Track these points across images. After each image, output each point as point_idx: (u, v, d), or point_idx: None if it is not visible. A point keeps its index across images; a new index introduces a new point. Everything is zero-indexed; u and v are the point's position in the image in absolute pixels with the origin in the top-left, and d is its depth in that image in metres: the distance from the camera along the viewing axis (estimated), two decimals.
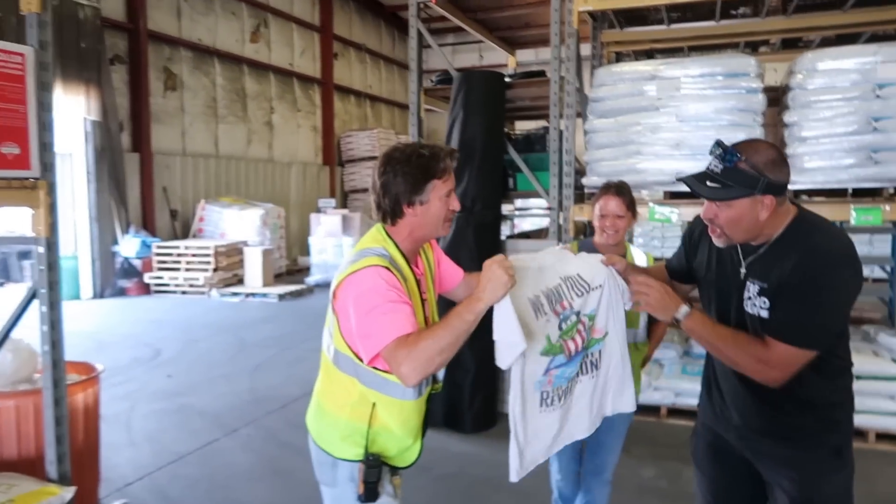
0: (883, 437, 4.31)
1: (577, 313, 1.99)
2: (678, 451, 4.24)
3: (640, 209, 4.72)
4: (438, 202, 1.89)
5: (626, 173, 4.67)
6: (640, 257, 2.87)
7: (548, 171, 4.95)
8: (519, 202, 8.20)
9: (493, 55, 16.46)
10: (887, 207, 4.13)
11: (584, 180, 4.85)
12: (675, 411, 4.76)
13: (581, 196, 4.95)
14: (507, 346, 1.76)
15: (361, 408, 1.91)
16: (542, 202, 5.07)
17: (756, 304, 1.84)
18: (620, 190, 2.78)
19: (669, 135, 4.52)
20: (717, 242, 1.89)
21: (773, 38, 5.90)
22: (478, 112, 4.76)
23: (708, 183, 1.78)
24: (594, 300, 2.03)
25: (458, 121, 4.78)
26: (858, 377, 4.31)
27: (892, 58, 4.07)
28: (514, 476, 1.96)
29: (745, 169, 1.74)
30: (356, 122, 18.64)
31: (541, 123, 6.61)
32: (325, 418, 1.99)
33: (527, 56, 10.49)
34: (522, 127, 7.61)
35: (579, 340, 2.00)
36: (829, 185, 4.27)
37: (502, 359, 1.78)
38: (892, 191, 4.23)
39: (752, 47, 6.63)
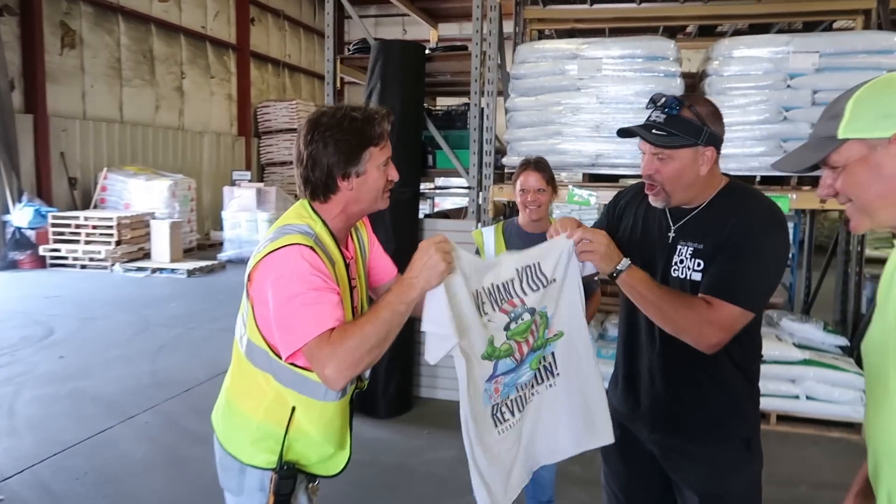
0: (783, 418, 4.47)
1: (532, 311, 1.73)
2: None
3: (559, 191, 4.69)
4: (376, 172, 1.66)
5: (547, 154, 4.59)
6: None
7: (468, 149, 4.82)
8: (441, 180, 8.07)
9: (417, 30, 16.16)
10: (794, 196, 4.24)
11: (505, 160, 4.76)
12: None
13: (501, 176, 4.86)
14: (437, 339, 1.57)
15: (278, 409, 1.66)
16: (463, 181, 4.93)
17: (689, 266, 1.78)
18: (539, 165, 2.76)
19: (590, 116, 4.48)
20: (656, 202, 1.81)
21: (690, 24, 5.97)
22: (396, 83, 4.56)
23: (654, 131, 1.73)
24: (551, 295, 1.76)
25: (375, 92, 4.57)
26: (763, 361, 4.47)
27: (803, 48, 4.15)
28: None
29: (689, 118, 1.72)
30: (274, 93, 17.96)
31: (462, 100, 6.47)
32: (234, 419, 1.74)
33: (451, 30, 10.29)
34: (444, 103, 7.44)
35: (531, 340, 1.74)
36: (741, 172, 4.33)
37: (430, 352, 1.59)
38: (797, 180, 4.35)
39: (671, 34, 6.70)
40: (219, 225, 12.84)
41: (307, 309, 1.50)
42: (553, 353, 1.82)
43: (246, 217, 11.54)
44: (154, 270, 10.31)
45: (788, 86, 4.21)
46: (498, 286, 1.69)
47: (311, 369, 1.57)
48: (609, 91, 4.43)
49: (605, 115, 4.45)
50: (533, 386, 1.82)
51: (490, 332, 1.67)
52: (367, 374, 1.79)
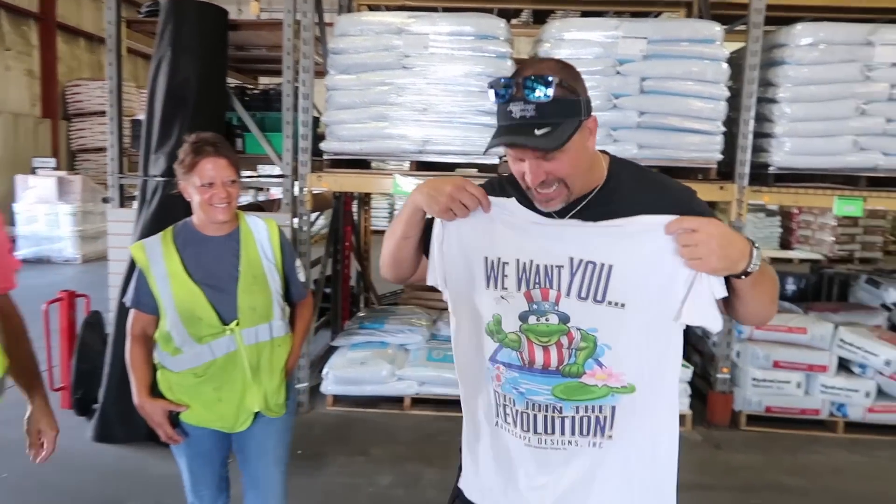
0: None
1: (566, 319, 1.34)
2: (420, 448, 3.88)
3: (384, 180, 4.25)
4: None
5: (371, 139, 4.17)
6: (259, 230, 2.14)
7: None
8: (268, 168, 7.35)
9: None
10: None
11: (324, 145, 4.24)
12: (419, 401, 4.40)
13: (320, 164, 4.33)
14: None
15: None
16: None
17: None
18: (220, 147, 2.04)
19: (417, 97, 4.08)
20: (554, 205, 1.36)
21: (525, 8, 5.78)
22: (191, 52, 3.87)
23: (536, 132, 1.28)
24: (606, 318, 1.32)
25: (166, 62, 3.85)
26: None
27: (632, 34, 4.02)
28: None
29: (564, 96, 1.29)
30: (87, 71, 15.98)
31: None
32: None
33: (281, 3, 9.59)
34: (274, 83, 6.74)
35: (554, 357, 1.35)
36: None
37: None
38: None
39: (505, 19, 6.51)
40: (12, 219, 11.12)
41: None
42: (613, 408, 1.35)
43: (45, 210, 10.03)
44: None
45: (618, 72, 4.06)
46: (539, 266, 1.36)
47: None
48: (437, 71, 4.06)
49: (434, 96, 4.08)
50: (564, 428, 1.37)
51: (498, 310, 1.40)
52: None
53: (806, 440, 4.16)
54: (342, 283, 5.73)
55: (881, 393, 4.24)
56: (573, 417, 1.36)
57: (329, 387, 4.38)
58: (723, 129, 4.09)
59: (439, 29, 4.06)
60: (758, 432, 4.29)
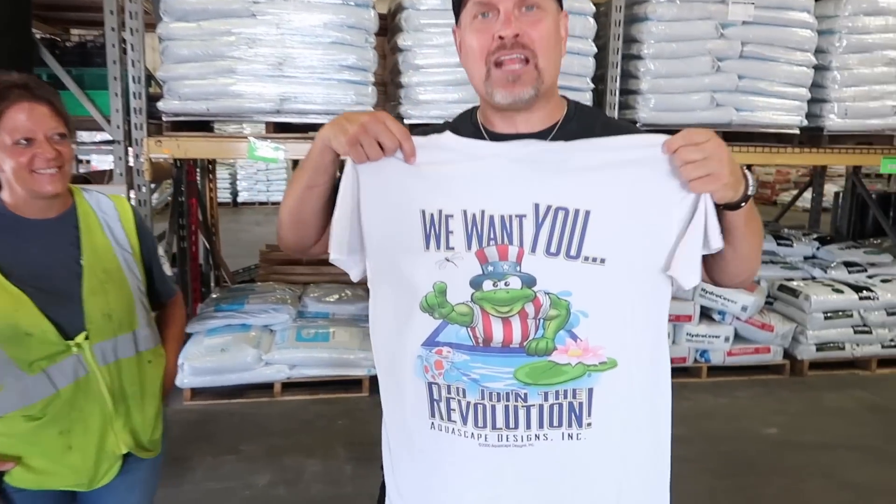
0: None
1: (530, 281, 1.08)
2: (297, 437, 3.55)
3: (238, 145, 3.79)
4: None
5: (219, 97, 3.67)
6: (106, 210, 1.61)
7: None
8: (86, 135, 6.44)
9: None
10: None
11: (162, 104, 3.67)
12: (290, 385, 4.05)
13: (159, 127, 3.76)
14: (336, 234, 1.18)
15: None
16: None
17: None
18: (38, 90, 1.46)
19: (270, 50, 3.63)
20: (521, 88, 1.13)
21: None
22: None
23: None
24: (581, 278, 1.07)
25: None
26: None
27: None
28: None
29: None
30: None
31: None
32: None
33: None
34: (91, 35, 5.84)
35: (517, 331, 1.08)
36: (442, 119, 3.91)
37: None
38: None
39: None
40: None
41: None
42: (591, 391, 1.10)
43: None
44: None
45: None
46: (494, 217, 1.09)
47: None
48: (292, 20, 3.63)
49: (290, 49, 3.64)
50: (531, 420, 1.11)
51: (442, 276, 1.10)
52: None
53: (676, 387, 4.20)
54: (191, 263, 5.15)
55: (738, 337, 4.53)
56: (541, 406, 1.10)
57: (185, 379, 3.90)
58: (592, 85, 4.05)
59: None
60: None
